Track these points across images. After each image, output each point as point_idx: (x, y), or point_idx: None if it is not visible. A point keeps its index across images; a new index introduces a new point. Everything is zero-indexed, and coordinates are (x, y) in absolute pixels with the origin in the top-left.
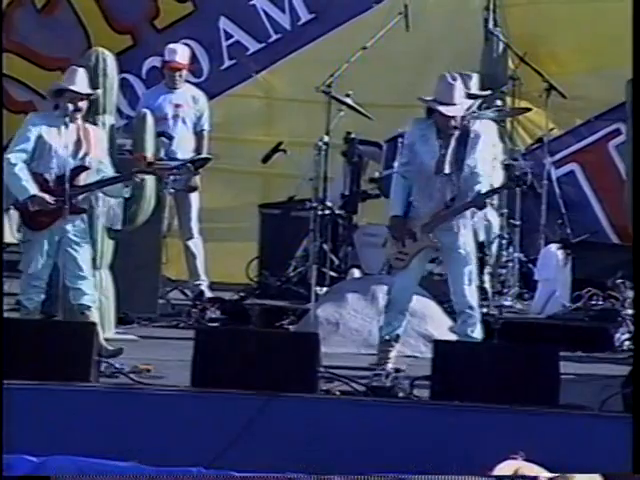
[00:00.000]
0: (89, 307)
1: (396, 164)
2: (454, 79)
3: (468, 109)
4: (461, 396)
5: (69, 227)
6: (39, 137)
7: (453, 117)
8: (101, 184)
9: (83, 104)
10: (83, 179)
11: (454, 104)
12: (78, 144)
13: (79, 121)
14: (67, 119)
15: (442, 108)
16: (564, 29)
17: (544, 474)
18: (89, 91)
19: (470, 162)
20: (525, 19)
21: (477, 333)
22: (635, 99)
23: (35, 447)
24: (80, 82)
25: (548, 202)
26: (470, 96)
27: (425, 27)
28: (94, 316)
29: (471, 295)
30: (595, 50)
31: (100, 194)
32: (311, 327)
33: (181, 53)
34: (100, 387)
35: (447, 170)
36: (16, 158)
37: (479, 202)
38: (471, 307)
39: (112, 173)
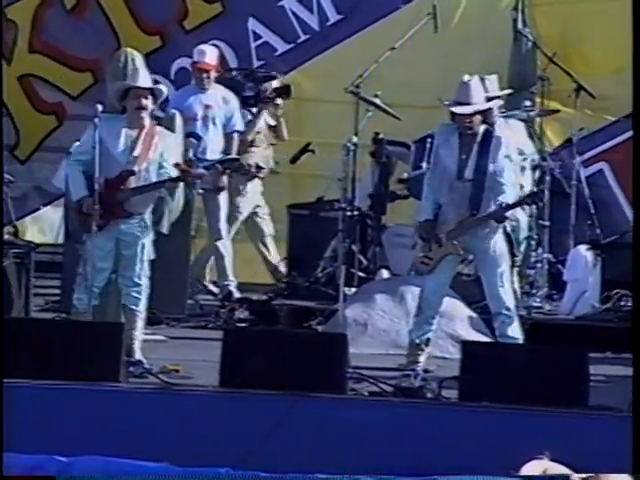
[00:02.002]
0: (135, 312)
1: (425, 168)
2: (470, 80)
3: (488, 110)
4: (489, 397)
5: (126, 230)
6: (100, 141)
7: (469, 116)
8: (140, 190)
9: (148, 102)
10: (133, 182)
11: (469, 104)
12: (133, 146)
13: (145, 122)
14: (130, 121)
15: (456, 108)
16: (593, 29)
17: (574, 474)
18: (152, 85)
19: (494, 169)
20: (554, 19)
21: (517, 333)
22: (635, 99)
23: (63, 447)
24: (143, 80)
25: (577, 203)
26: (488, 98)
27: (453, 27)
28: (139, 321)
29: (506, 296)
30: (624, 50)
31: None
32: (339, 328)
33: (210, 54)
34: (128, 387)
35: (470, 176)
36: (72, 162)
37: (498, 215)
38: (507, 308)
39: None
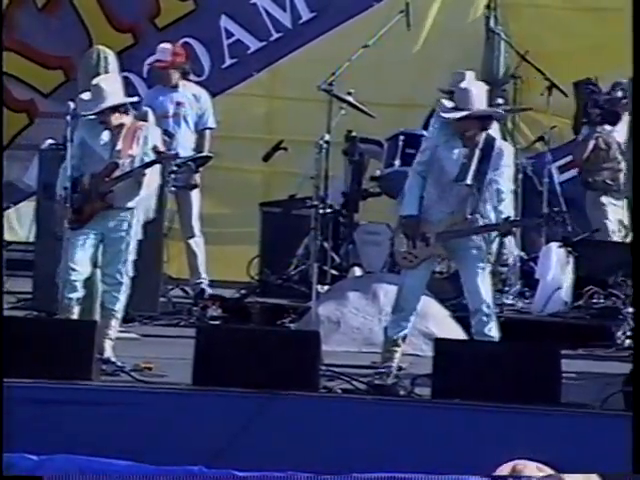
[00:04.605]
0: (111, 311)
1: (397, 165)
2: (468, 85)
3: (487, 117)
4: (462, 394)
5: (113, 226)
6: (82, 141)
7: (461, 122)
8: (121, 178)
9: (111, 117)
10: (118, 174)
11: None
12: (114, 142)
13: (125, 121)
14: (110, 123)
15: (445, 113)
16: (564, 31)
17: (538, 473)
18: (120, 102)
19: (493, 177)
20: (526, 19)
21: (494, 331)
22: (635, 99)
23: (35, 446)
24: (110, 95)
25: (549, 200)
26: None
27: (426, 25)
28: (115, 321)
29: (485, 293)
30: (596, 54)
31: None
32: (312, 325)
33: (169, 51)
34: (101, 386)
35: (469, 181)
36: (64, 167)
37: (504, 228)
38: (487, 305)
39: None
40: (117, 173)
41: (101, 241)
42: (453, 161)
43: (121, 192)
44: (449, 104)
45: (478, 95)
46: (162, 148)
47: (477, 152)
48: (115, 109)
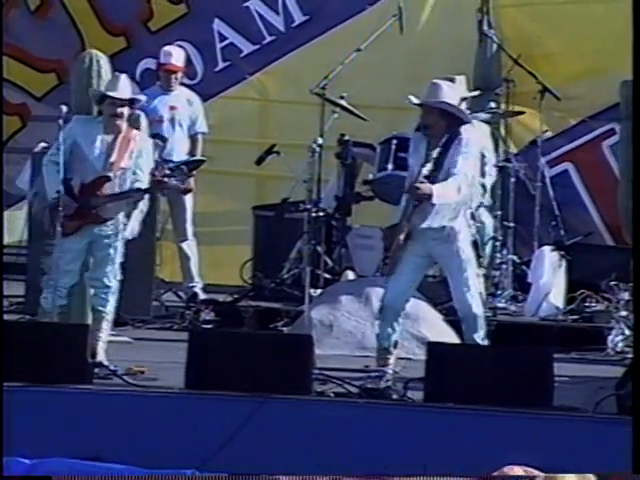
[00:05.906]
0: (102, 313)
1: (390, 169)
2: (441, 81)
3: (451, 113)
4: (455, 398)
5: (100, 233)
6: (74, 142)
7: (427, 114)
8: (113, 197)
9: (124, 110)
10: (108, 188)
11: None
12: (109, 152)
13: (122, 128)
14: (106, 126)
15: (412, 101)
16: (558, 30)
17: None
18: (130, 96)
19: (450, 165)
20: (519, 21)
21: (483, 338)
22: (635, 99)
23: (28, 449)
24: (122, 88)
25: (542, 204)
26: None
27: (419, 29)
28: (105, 323)
29: (473, 300)
30: (589, 51)
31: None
32: (305, 329)
33: (176, 55)
34: (93, 389)
35: (427, 173)
36: (47, 162)
37: (418, 186)
38: (474, 313)
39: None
40: (108, 188)
41: (88, 246)
42: (419, 162)
43: (113, 206)
44: (416, 100)
45: (448, 92)
46: (137, 160)
47: (438, 148)
48: (130, 106)
